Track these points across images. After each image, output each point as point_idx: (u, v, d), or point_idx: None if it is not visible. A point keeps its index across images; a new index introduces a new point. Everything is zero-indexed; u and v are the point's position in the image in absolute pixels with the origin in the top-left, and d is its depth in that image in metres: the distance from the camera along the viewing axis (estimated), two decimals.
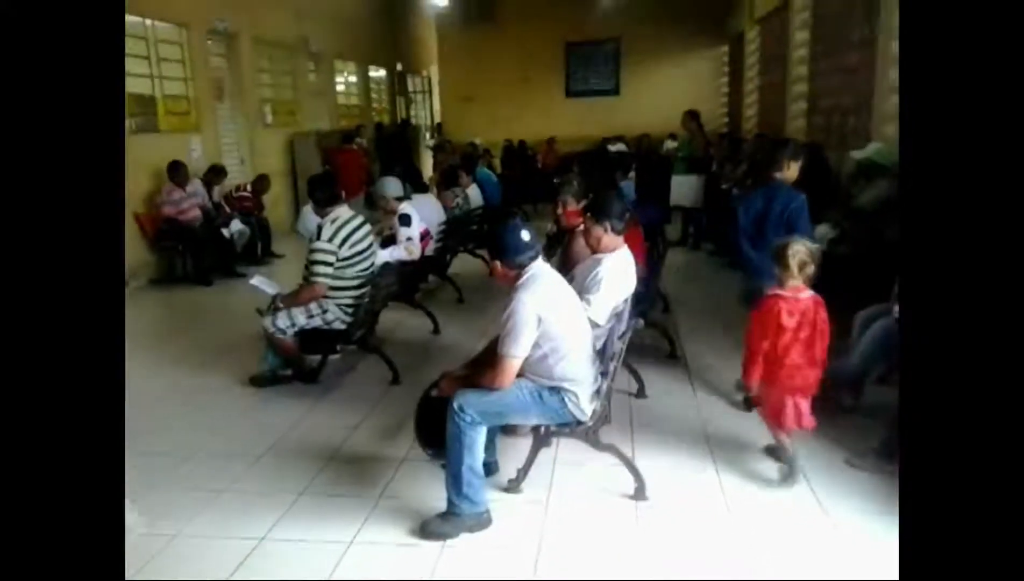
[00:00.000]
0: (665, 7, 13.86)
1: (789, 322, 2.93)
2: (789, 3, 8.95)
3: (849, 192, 5.61)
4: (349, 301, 4.17)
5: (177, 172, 7.27)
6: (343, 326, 4.17)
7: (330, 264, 4.09)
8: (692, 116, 8.42)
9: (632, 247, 3.87)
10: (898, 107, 5.52)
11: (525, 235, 2.76)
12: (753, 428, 3.57)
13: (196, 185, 7.82)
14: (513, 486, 3.02)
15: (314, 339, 4.18)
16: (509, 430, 3.18)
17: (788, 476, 3.04)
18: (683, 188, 8.16)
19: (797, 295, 2.96)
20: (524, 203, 10.80)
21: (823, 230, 4.94)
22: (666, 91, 13.84)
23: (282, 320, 4.08)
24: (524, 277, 2.75)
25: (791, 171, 4.06)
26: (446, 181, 7.36)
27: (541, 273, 2.78)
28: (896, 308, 3.42)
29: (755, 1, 11.24)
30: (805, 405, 2.99)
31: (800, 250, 2.95)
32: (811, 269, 2.95)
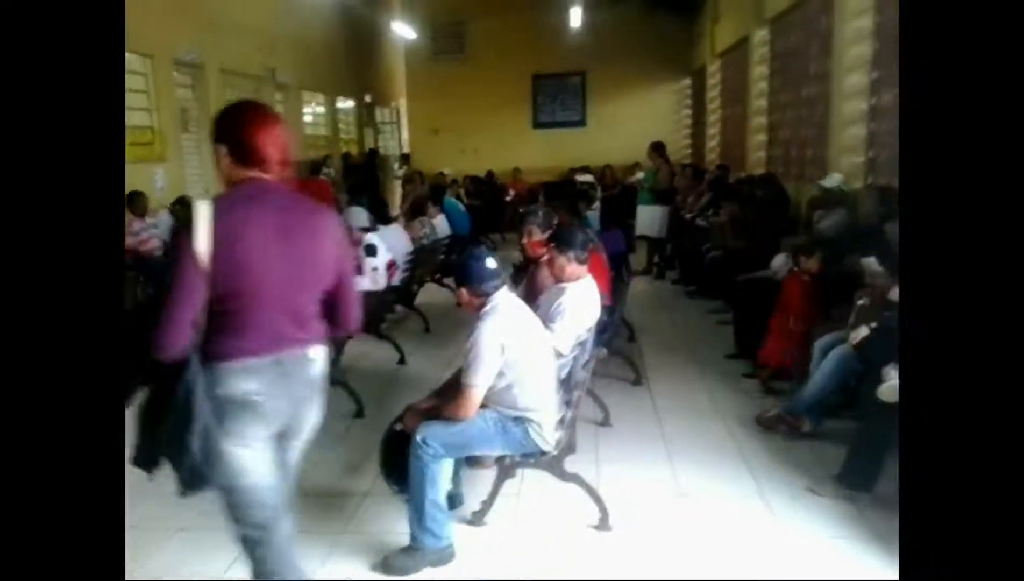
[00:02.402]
0: (629, 42, 14.16)
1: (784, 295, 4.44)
2: (749, 38, 9.22)
3: (809, 221, 5.74)
4: None
5: (135, 202, 7.19)
6: None
7: None
8: (657, 148, 8.58)
9: (597, 276, 3.91)
10: (854, 138, 5.71)
11: (490, 263, 2.78)
12: (718, 455, 3.59)
13: (162, 216, 7.72)
14: (477, 519, 2.99)
15: None
16: (474, 461, 3.16)
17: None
18: (648, 218, 8.29)
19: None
20: (492, 233, 10.85)
21: (781, 260, 5.04)
22: (631, 123, 14.08)
23: None
24: (488, 306, 2.76)
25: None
26: (413, 211, 7.38)
27: (505, 302, 2.79)
28: (852, 335, 3.49)
29: (716, 36, 11.55)
30: (777, 347, 4.37)
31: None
32: (813, 261, 4.38)
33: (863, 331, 3.42)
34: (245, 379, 1.87)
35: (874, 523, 2.89)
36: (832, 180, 5.45)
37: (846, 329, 3.65)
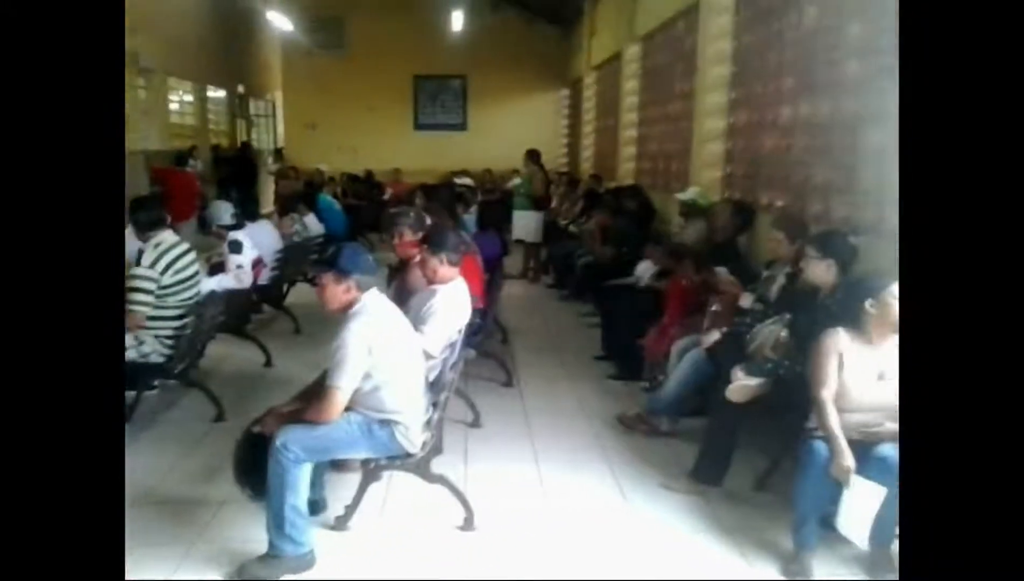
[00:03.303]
0: (510, 49, 14.37)
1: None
2: (621, 53, 9.59)
3: (670, 231, 6.04)
4: (169, 332, 3.91)
5: None
6: (161, 359, 3.89)
7: (150, 292, 3.83)
8: (532, 155, 8.78)
9: (470, 278, 3.94)
10: (713, 155, 6.07)
11: (367, 258, 2.76)
12: (583, 454, 3.71)
13: None
14: (341, 523, 2.93)
15: (127, 373, 3.86)
16: (339, 465, 3.10)
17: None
18: (523, 223, 8.45)
19: None
20: (371, 233, 10.68)
21: (645, 266, 5.29)
22: (511, 129, 14.27)
23: None
24: (356, 306, 2.72)
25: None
26: (285, 207, 7.15)
27: (375, 303, 2.76)
28: (705, 339, 3.71)
29: (592, 49, 11.94)
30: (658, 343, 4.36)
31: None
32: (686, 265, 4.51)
33: (714, 335, 3.64)
34: None
35: (722, 517, 3.08)
36: (689, 193, 5.77)
37: (701, 333, 3.87)
